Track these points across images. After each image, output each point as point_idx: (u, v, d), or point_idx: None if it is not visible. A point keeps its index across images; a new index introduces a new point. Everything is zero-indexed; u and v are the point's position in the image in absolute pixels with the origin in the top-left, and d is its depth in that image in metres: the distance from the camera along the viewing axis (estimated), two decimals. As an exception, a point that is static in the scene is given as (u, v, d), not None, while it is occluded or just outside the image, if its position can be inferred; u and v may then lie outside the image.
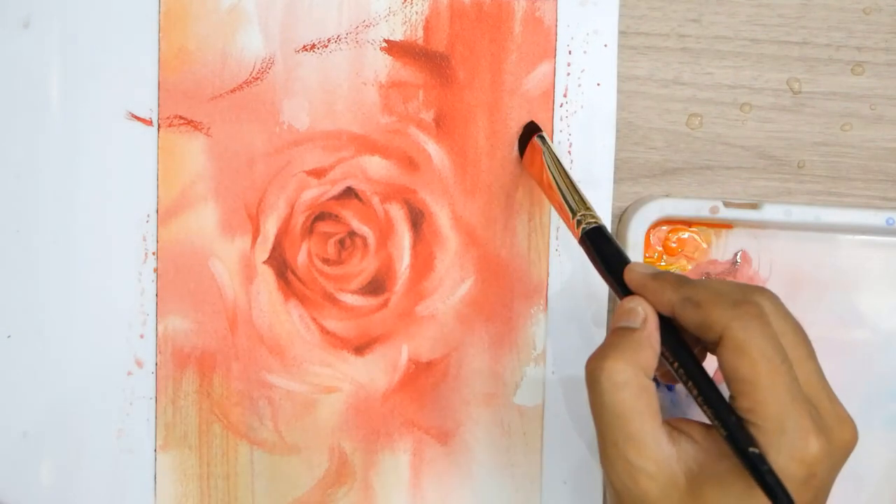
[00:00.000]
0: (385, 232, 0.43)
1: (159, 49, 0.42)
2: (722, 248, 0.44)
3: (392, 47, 0.43)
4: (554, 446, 0.44)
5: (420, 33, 0.43)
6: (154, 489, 0.43)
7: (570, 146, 0.43)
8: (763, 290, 0.33)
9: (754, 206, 0.43)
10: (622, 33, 0.43)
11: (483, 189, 0.43)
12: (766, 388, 0.30)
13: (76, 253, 0.42)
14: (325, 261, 0.43)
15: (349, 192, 0.43)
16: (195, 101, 0.42)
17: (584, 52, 0.43)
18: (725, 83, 0.44)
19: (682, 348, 0.33)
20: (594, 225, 0.37)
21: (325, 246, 0.43)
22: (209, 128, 0.43)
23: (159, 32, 0.42)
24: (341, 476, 0.43)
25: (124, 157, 0.42)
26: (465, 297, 0.43)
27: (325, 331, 0.43)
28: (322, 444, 0.43)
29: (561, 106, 0.43)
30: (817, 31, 0.44)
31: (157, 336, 0.43)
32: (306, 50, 0.43)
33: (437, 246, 0.43)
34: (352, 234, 0.43)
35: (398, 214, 0.43)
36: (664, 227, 0.44)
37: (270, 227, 0.43)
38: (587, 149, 0.43)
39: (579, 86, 0.43)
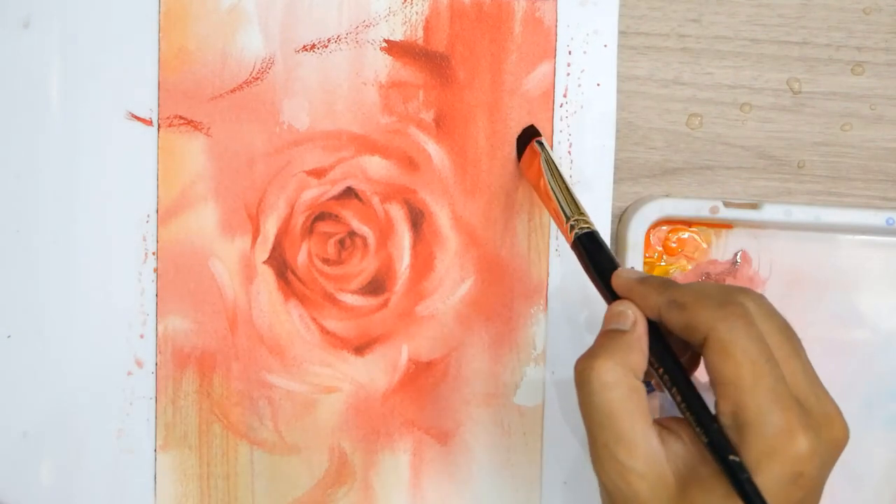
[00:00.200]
0: (385, 232, 0.43)
1: (159, 49, 0.42)
2: (722, 248, 0.44)
3: (392, 47, 0.43)
4: (554, 446, 0.44)
5: (420, 33, 0.43)
6: (154, 489, 0.43)
7: (570, 146, 0.43)
8: (748, 291, 0.33)
9: (754, 206, 0.43)
10: (622, 33, 0.43)
11: (483, 189, 0.43)
12: (749, 390, 0.30)
13: (76, 253, 0.42)
14: (325, 261, 0.43)
15: (349, 192, 0.43)
16: (195, 101, 0.42)
17: (584, 53, 0.43)
18: (725, 83, 0.44)
19: (667, 354, 0.33)
20: (587, 230, 0.37)
21: (325, 246, 0.43)
22: (209, 128, 0.43)
23: (159, 32, 0.42)
24: (341, 476, 0.43)
25: (124, 157, 0.42)
26: (465, 297, 0.43)
27: (325, 331, 0.43)
28: (322, 444, 0.43)
29: (561, 106, 0.43)
30: (817, 31, 0.44)
31: (157, 336, 0.43)
32: (306, 50, 0.43)
33: (437, 246, 0.43)
34: (352, 234, 0.43)
35: (398, 214, 0.43)
36: (664, 227, 0.44)
37: (270, 227, 0.43)
38: (587, 149, 0.43)
39: (579, 86, 0.43)
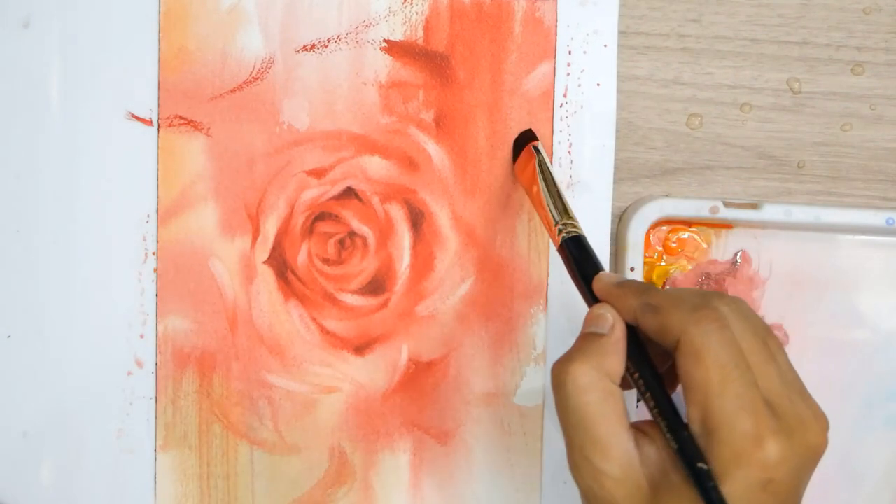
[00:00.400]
0: (385, 232, 0.43)
1: (159, 49, 0.42)
2: (722, 248, 0.44)
3: (392, 47, 0.43)
4: (554, 446, 0.44)
5: (420, 33, 0.43)
6: (154, 489, 0.43)
7: (570, 146, 0.43)
8: (724, 295, 0.33)
9: (754, 206, 0.43)
10: (622, 33, 0.43)
11: (483, 189, 0.43)
12: (717, 395, 0.30)
13: (76, 253, 0.42)
14: (325, 261, 0.43)
15: (349, 192, 0.43)
16: (195, 101, 0.42)
17: (584, 53, 0.43)
18: (725, 83, 0.44)
19: (643, 359, 0.33)
20: (574, 234, 0.37)
21: (325, 246, 0.43)
22: (209, 128, 0.43)
23: (159, 32, 0.42)
24: (341, 476, 0.43)
25: (124, 157, 0.42)
26: (465, 297, 0.43)
27: (325, 331, 0.43)
28: (322, 444, 0.43)
29: (561, 106, 0.43)
30: (817, 31, 0.44)
31: (157, 336, 0.43)
32: (306, 50, 0.43)
33: (437, 246, 0.43)
34: (352, 234, 0.43)
35: (398, 214, 0.43)
36: (664, 227, 0.44)
37: (270, 227, 0.43)
38: (587, 149, 0.43)
39: (579, 86, 0.43)
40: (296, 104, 0.43)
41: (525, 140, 0.42)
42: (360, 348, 0.43)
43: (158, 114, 0.42)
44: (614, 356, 0.33)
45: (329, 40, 0.43)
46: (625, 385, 0.33)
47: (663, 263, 0.44)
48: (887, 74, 0.45)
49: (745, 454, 0.30)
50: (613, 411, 0.32)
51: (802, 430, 0.31)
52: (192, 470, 0.43)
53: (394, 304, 0.43)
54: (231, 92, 0.43)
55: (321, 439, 0.43)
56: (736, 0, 0.44)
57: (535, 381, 0.44)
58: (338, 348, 0.43)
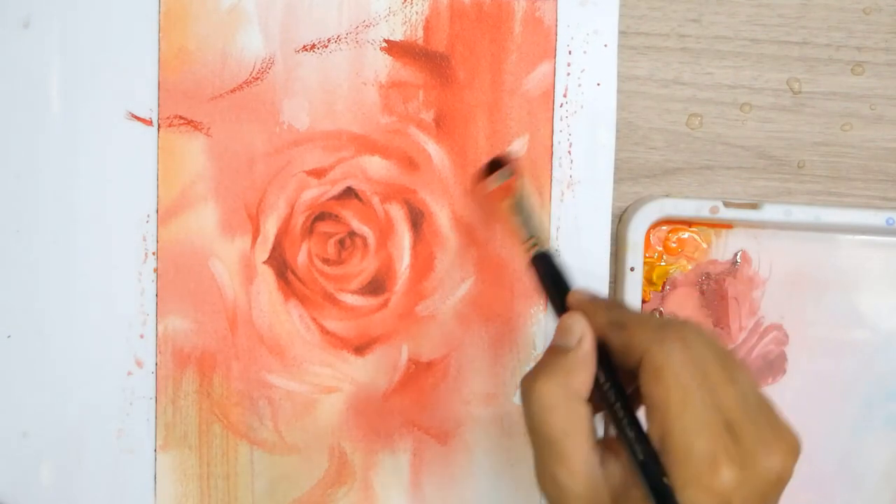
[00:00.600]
0: (385, 232, 0.43)
1: (159, 49, 0.42)
2: (722, 248, 0.44)
3: (392, 47, 0.43)
4: (554, 446, 0.44)
5: (420, 33, 0.43)
6: (154, 489, 0.43)
7: (570, 146, 0.43)
8: (689, 321, 0.33)
9: (754, 206, 0.43)
10: (622, 33, 0.43)
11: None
12: (677, 416, 0.30)
13: (76, 253, 0.42)
14: (325, 261, 0.43)
15: (349, 192, 0.43)
16: (195, 101, 0.42)
17: (584, 52, 0.43)
18: (725, 83, 0.44)
19: (609, 375, 0.33)
20: (544, 250, 0.37)
21: (325, 246, 0.43)
22: (209, 128, 0.43)
23: (159, 32, 0.42)
24: (341, 476, 0.43)
25: (124, 157, 0.42)
26: (465, 297, 0.43)
27: (325, 331, 0.43)
28: (322, 444, 0.43)
29: (561, 106, 0.43)
30: (817, 31, 0.44)
31: (157, 336, 0.43)
32: (306, 50, 0.43)
33: (437, 246, 0.43)
34: (352, 234, 0.43)
35: (398, 214, 0.43)
36: (664, 227, 0.44)
37: (270, 227, 0.43)
38: (587, 149, 0.43)
39: (579, 86, 0.43)
40: (296, 104, 0.43)
41: (495, 166, 0.41)
42: (360, 348, 0.43)
43: (158, 114, 0.42)
44: (582, 372, 0.33)
45: (329, 40, 0.43)
46: (595, 397, 0.33)
47: (663, 263, 0.44)
48: (887, 74, 0.45)
49: (700, 477, 0.30)
50: (578, 429, 0.32)
51: (764, 454, 0.30)
52: (192, 470, 0.43)
53: (394, 304, 0.43)
54: (231, 92, 0.42)
55: (321, 439, 0.43)
56: (736, 0, 0.44)
57: (535, 381, 0.44)
58: (338, 348, 0.43)
